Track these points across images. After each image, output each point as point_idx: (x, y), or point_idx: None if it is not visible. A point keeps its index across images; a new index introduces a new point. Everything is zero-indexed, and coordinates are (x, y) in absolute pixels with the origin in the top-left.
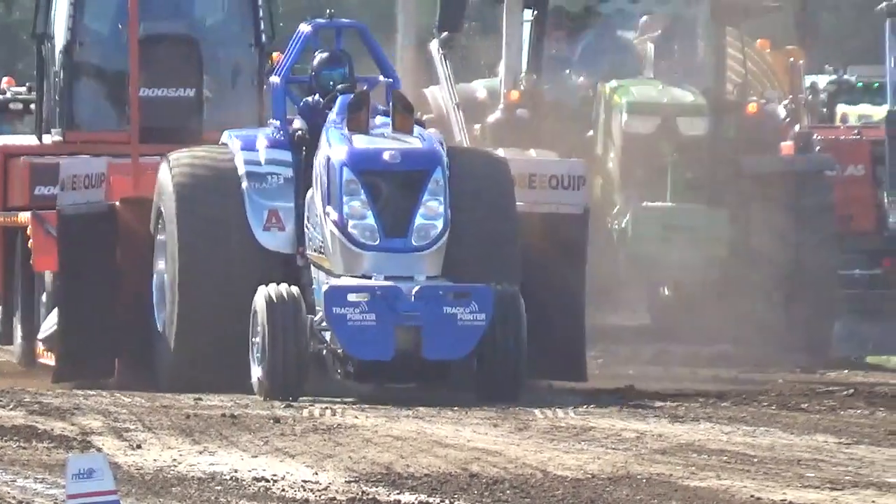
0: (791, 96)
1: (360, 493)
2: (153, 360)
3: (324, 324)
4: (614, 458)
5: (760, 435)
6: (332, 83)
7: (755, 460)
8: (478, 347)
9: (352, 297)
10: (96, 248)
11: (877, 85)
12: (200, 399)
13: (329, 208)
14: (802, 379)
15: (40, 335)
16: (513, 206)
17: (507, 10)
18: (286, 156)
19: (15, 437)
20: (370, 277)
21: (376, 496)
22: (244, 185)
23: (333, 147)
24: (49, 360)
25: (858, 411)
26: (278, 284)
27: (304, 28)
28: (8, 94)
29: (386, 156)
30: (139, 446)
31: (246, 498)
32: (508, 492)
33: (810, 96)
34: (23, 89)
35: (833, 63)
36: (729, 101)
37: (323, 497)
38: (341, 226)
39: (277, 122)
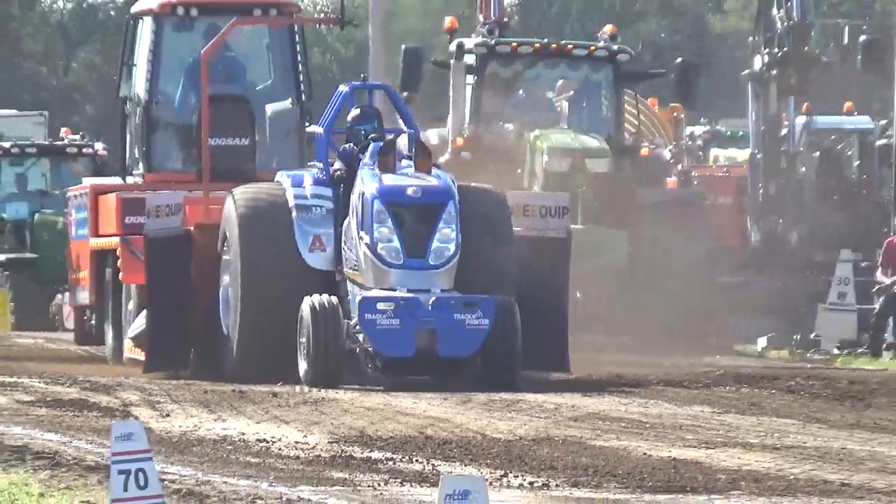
0: (675, 142)
1: (339, 452)
2: (219, 356)
3: (358, 327)
4: (538, 424)
5: (651, 406)
6: (363, 134)
7: (647, 426)
8: (482, 347)
9: (380, 306)
10: (175, 264)
11: (741, 134)
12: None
13: (362, 233)
14: (684, 363)
15: (130, 334)
16: (510, 233)
17: (454, 75)
18: (327, 192)
19: (70, 408)
20: (395, 290)
21: (352, 454)
22: (294, 214)
23: (367, 183)
24: (136, 354)
25: (727, 388)
26: (321, 295)
27: (343, 88)
28: (66, 141)
29: (409, 191)
30: (168, 415)
31: (251, 455)
32: (455, 450)
33: (690, 142)
34: (77, 137)
35: (707, 116)
36: (626, 146)
37: (311, 454)
38: (372, 247)
39: (321, 165)
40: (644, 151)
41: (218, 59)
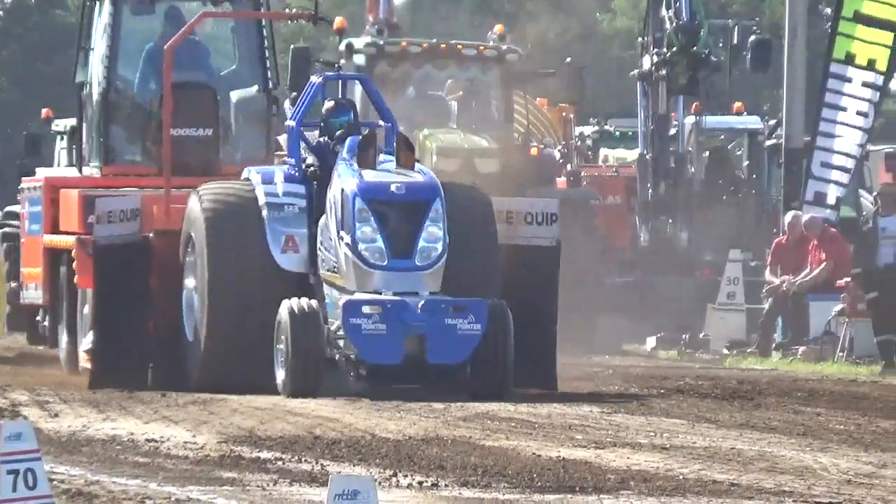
0: (564, 142)
1: (228, 452)
2: (184, 367)
3: (339, 332)
4: (427, 424)
5: (540, 406)
6: (338, 128)
7: (536, 426)
8: (473, 353)
9: (366, 309)
10: (130, 274)
11: (631, 133)
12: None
13: (343, 233)
14: (573, 362)
15: (83, 346)
16: (494, 231)
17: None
18: (300, 189)
19: None
20: (380, 293)
21: (241, 454)
22: (264, 213)
23: (346, 180)
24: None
25: (616, 387)
26: (300, 299)
27: (315, 79)
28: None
29: (393, 187)
30: (56, 415)
31: (140, 454)
32: (345, 450)
33: (579, 142)
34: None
35: (597, 116)
36: (516, 146)
37: (200, 454)
38: (354, 248)
39: (293, 160)
40: (534, 151)
41: (179, 42)
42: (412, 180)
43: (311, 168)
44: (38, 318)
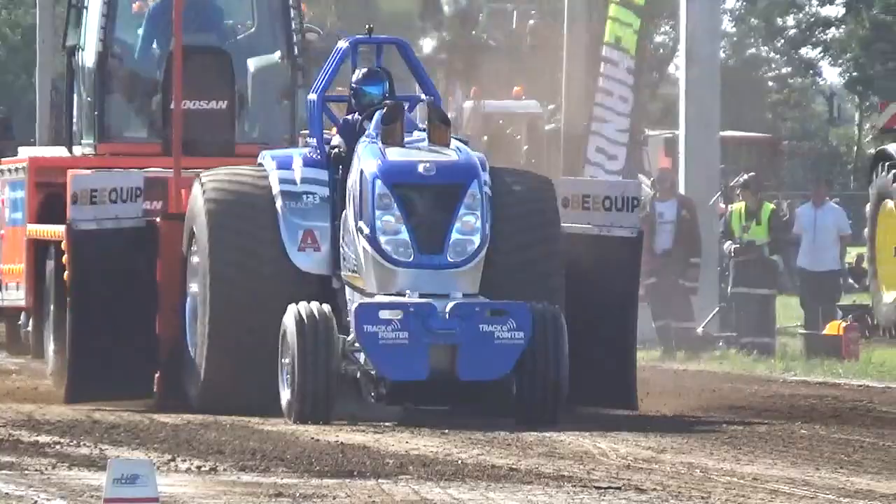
0: None
1: (7, 436)
2: (183, 383)
3: (356, 344)
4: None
5: None
6: (371, 101)
7: None
8: (516, 368)
9: (384, 315)
10: (125, 266)
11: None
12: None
13: (361, 224)
14: None
15: None
16: (556, 229)
17: None
18: (323, 175)
19: None
20: (404, 295)
21: (20, 438)
22: (278, 204)
23: (366, 160)
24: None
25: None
26: (309, 303)
27: (342, 44)
28: None
29: (420, 168)
30: None
31: None
32: (123, 434)
33: None
34: None
35: None
36: None
37: None
38: (374, 242)
39: (314, 141)
40: None
41: (188, 1)
42: (445, 159)
43: (337, 150)
44: (20, 322)
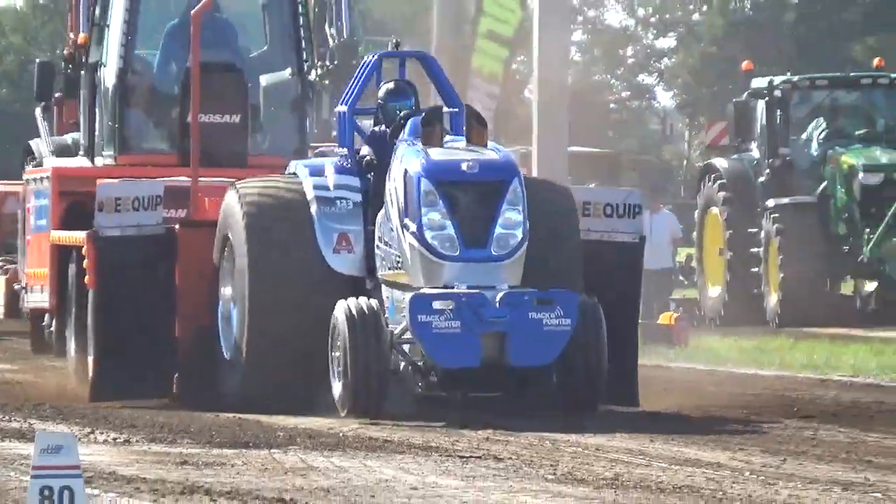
0: None
1: None
2: (218, 385)
3: (404, 337)
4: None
5: None
6: (398, 113)
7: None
8: (558, 357)
9: (437, 305)
10: (145, 270)
11: None
12: None
13: (407, 220)
14: None
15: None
16: (576, 235)
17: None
18: (354, 181)
19: None
20: (451, 288)
21: None
22: (313, 209)
23: (410, 160)
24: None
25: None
26: (357, 299)
27: (369, 58)
28: None
29: (464, 166)
30: None
31: None
32: (49, 411)
33: None
34: None
35: None
36: None
37: None
38: (420, 237)
39: (345, 150)
40: None
41: (205, 20)
42: (487, 158)
43: (367, 158)
44: (45, 323)
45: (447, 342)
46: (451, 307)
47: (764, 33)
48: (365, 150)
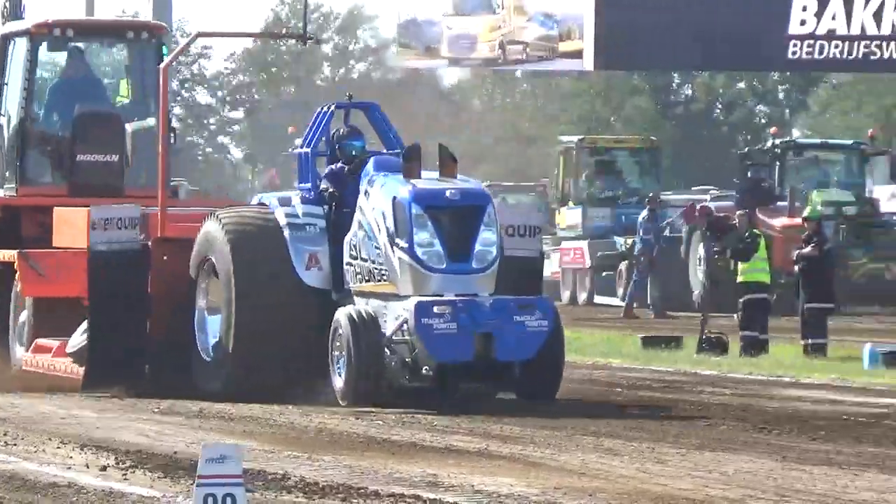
0: None
1: None
2: (197, 378)
3: (396, 336)
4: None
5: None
6: (353, 153)
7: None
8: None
9: (437, 310)
10: (126, 280)
11: None
12: None
13: (398, 239)
14: None
15: (68, 349)
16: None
17: None
18: (318, 210)
19: None
20: (441, 296)
21: None
22: (286, 233)
23: (397, 188)
24: (67, 373)
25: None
26: (355, 306)
27: (325, 108)
28: None
29: (447, 193)
30: None
31: None
32: None
33: None
34: None
35: None
36: None
37: None
38: (412, 253)
39: (308, 185)
40: None
41: (80, 76)
42: (466, 186)
43: (329, 190)
44: None
45: (445, 340)
46: (449, 311)
47: None
48: (324, 184)
